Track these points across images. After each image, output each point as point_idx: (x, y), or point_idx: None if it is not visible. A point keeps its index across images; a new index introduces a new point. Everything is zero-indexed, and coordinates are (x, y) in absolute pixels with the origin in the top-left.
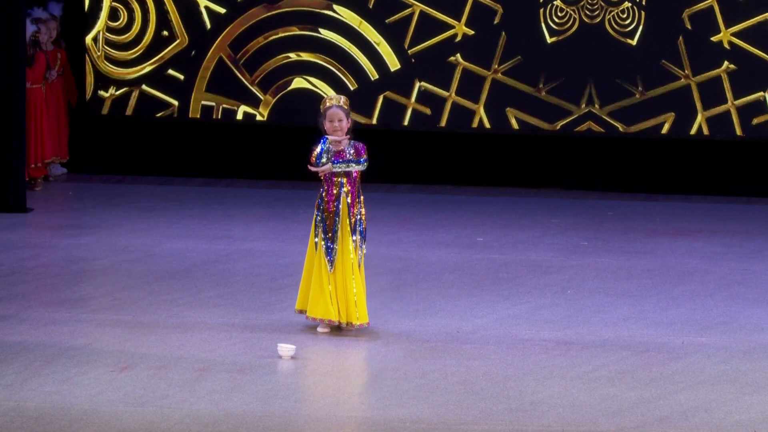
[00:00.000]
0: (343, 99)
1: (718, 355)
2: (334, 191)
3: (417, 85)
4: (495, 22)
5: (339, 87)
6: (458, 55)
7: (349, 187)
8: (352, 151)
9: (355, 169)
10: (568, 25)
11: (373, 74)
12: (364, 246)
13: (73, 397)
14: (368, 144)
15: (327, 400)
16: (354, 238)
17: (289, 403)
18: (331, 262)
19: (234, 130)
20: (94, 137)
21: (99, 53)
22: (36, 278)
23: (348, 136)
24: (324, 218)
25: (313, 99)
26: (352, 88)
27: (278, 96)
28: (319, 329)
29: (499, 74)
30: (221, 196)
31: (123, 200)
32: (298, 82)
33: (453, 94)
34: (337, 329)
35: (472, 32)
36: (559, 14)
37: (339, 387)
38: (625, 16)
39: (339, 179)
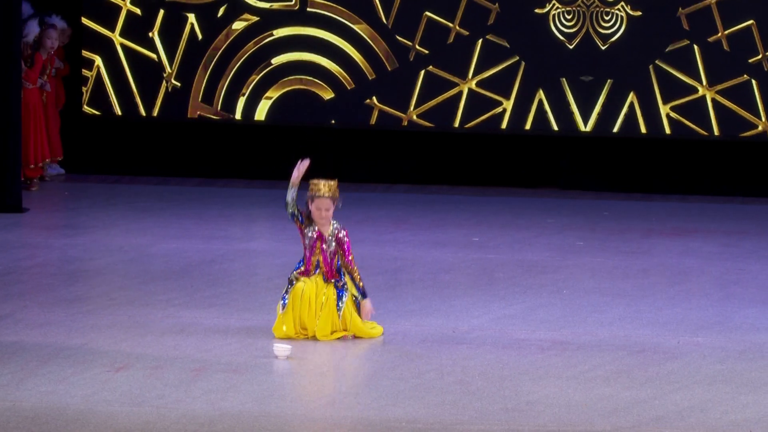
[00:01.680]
0: (333, 187)
1: (714, 355)
2: (309, 272)
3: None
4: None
5: (336, 86)
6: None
7: (326, 269)
8: (334, 243)
9: (356, 294)
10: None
11: (370, 74)
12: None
13: (69, 397)
14: (366, 144)
15: (323, 400)
16: (344, 296)
17: (285, 403)
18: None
19: (231, 130)
20: (90, 137)
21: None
22: (32, 278)
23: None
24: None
25: (310, 99)
26: (349, 88)
27: (276, 96)
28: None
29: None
30: (218, 196)
31: (119, 200)
32: (295, 83)
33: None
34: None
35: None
36: (567, 17)
37: (335, 387)
38: (608, 17)
39: (315, 259)
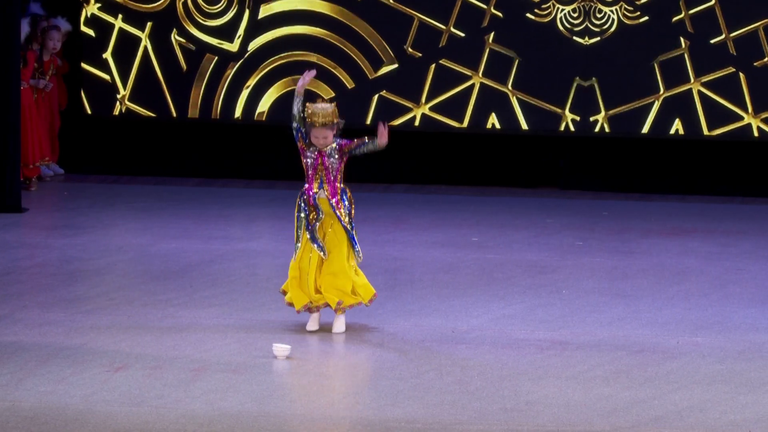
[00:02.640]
0: (330, 113)
1: (713, 355)
2: (314, 191)
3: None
4: (350, 86)
5: (335, 86)
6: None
7: (329, 189)
8: (337, 155)
9: (369, 149)
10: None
11: (370, 72)
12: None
13: (69, 397)
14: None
15: (322, 400)
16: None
17: (284, 403)
18: (322, 249)
19: (230, 130)
20: (89, 137)
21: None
22: (31, 278)
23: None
24: (307, 213)
25: (309, 99)
26: (349, 87)
27: (278, 95)
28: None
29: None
30: (217, 196)
31: (118, 200)
32: (293, 83)
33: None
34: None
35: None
36: (573, 15)
37: (334, 387)
38: (601, 14)
39: (319, 177)
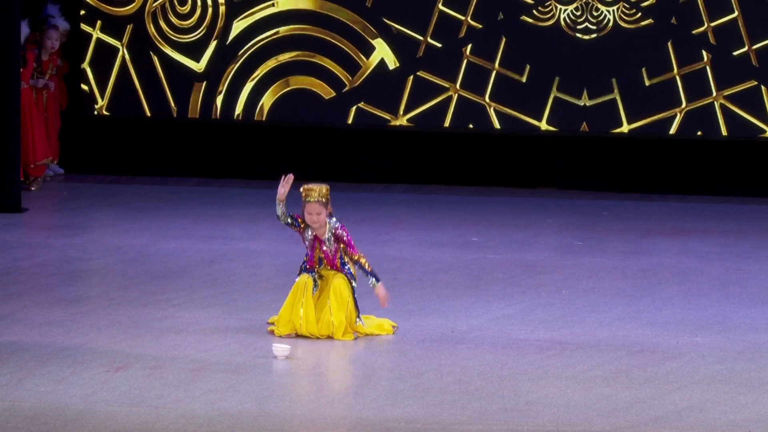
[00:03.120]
0: (324, 191)
1: (713, 355)
2: (314, 265)
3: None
4: (346, 88)
5: (335, 85)
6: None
7: (330, 266)
8: (333, 240)
9: (369, 278)
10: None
11: (369, 71)
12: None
13: (68, 397)
14: (363, 145)
15: (322, 400)
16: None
17: (284, 403)
18: (315, 283)
19: (229, 130)
20: (88, 137)
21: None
22: (31, 278)
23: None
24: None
25: (309, 98)
26: (348, 87)
27: (277, 96)
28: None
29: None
30: (216, 196)
31: (118, 200)
32: (293, 82)
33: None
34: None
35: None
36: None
37: (334, 387)
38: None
39: (318, 255)
